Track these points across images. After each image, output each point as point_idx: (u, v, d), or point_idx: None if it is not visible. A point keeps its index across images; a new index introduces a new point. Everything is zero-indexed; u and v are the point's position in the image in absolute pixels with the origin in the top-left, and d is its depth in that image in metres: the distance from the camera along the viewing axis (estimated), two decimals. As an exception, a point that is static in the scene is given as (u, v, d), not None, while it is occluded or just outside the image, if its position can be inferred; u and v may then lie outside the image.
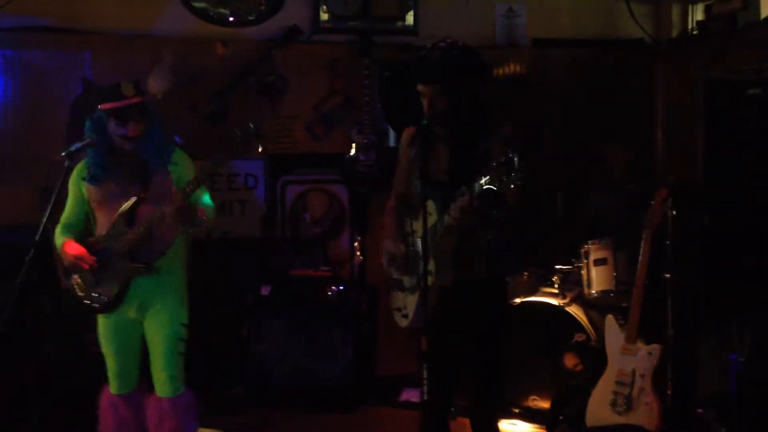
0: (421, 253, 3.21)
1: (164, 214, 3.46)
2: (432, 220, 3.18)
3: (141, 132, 3.59)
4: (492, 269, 3.34)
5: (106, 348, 3.74)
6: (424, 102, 3.22)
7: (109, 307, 3.65)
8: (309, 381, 5.05)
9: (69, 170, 3.58)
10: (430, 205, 3.20)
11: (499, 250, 3.29)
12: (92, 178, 3.64)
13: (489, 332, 3.38)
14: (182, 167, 3.70)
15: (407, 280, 3.37)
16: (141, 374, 3.80)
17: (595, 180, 5.36)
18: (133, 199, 3.59)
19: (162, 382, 3.69)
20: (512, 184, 2.85)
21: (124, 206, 3.59)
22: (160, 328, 3.67)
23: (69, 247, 3.60)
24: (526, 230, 3.37)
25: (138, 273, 3.60)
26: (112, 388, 3.78)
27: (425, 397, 3.08)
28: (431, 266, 3.16)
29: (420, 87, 3.21)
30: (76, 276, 3.65)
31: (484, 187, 2.92)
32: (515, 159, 2.82)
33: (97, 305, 3.64)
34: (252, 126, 3.49)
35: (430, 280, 3.15)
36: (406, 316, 3.38)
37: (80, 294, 3.66)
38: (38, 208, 3.63)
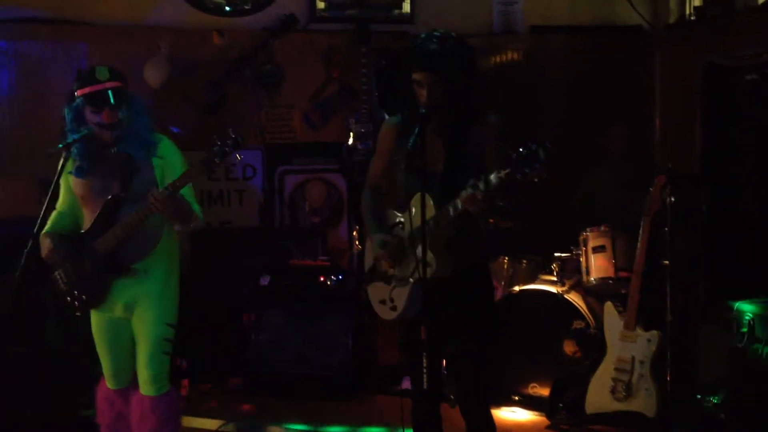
0: (409, 244, 3.22)
1: (148, 210, 3.32)
2: (430, 212, 3.14)
3: (118, 119, 3.43)
4: (484, 255, 3.36)
5: (99, 346, 3.68)
6: (422, 91, 3.18)
7: (87, 306, 3.57)
8: (309, 370, 5.06)
9: (66, 162, 3.54)
10: (425, 197, 3.14)
11: (490, 236, 3.30)
12: (78, 170, 3.52)
13: (481, 320, 3.37)
14: (170, 160, 3.52)
15: (396, 272, 3.33)
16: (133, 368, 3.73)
17: (593, 163, 5.37)
18: (110, 198, 3.46)
19: (145, 381, 3.60)
20: (536, 177, 2.81)
21: (104, 203, 3.46)
22: (145, 328, 3.57)
23: (45, 239, 3.52)
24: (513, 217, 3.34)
25: (117, 275, 3.51)
26: (108, 383, 3.74)
27: (425, 386, 3.09)
28: (429, 258, 3.12)
29: (417, 75, 3.18)
30: (58, 270, 3.57)
31: (503, 178, 2.87)
32: (540, 150, 2.79)
33: (76, 303, 3.56)
34: (232, 135, 3.27)
35: (428, 272, 3.12)
36: (394, 308, 3.34)
37: (62, 288, 3.58)
38: (36, 200, 3.61)
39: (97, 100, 3.40)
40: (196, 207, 3.52)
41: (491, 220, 3.18)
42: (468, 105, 3.25)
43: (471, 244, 3.27)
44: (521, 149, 2.83)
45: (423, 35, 3.23)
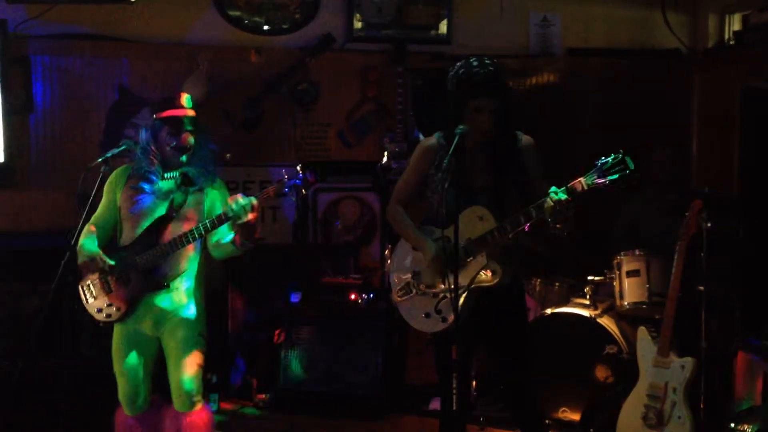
0: (463, 255, 3.32)
1: (222, 218, 3.46)
2: (489, 224, 3.30)
3: (190, 145, 3.64)
4: (523, 267, 3.58)
5: (119, 366, 3.69)
6: (482, 117, 3.28)
7: (115, 319, 3.62)
8: (338, 388, 5.06)
9: (105, 176, 3.61)
10: (481, 210, 3.32)
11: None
12: (140, 187, 3.63)
13: (521, 333, 3.52)
14: (218, 193, 3.70)
15: (444, 284, 3.41)
16: (152, 393, 3.75)
17: (632, 187, 5.30)
18: (162, 216, 3.59)
19: (179, 396, 3.61)
20: (626, 184, 2.98)
21: (152, 221, 3.59)
22: (179, 341, 3.61)
23: (86, 245, 3.59)
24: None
25: (152, 291, 3.59)
26: (125, 409, 3.73)
27: (454, 406, 3.12)
28: (495, 267, 3.32)
29: (478, 102, 3.28)
30: (88, 281, 3.64)
31: (591, 185, 3.05)
32: (628, 159, 2.95)
33: (104, 315, 3.62)
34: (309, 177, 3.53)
35: (487, 278, 3.31)
36: (444, 319, 3.42)
37: (89, 300, 3.64)
38: (74, 213, 3.66)
39: (178, 124, 3.59)
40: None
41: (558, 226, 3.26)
42: (511, 124, 3.38)
43: (516, 257, 3.44)
44: (607, 158, 3.00)
45: (472, 61, 3.32)
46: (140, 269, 3.57)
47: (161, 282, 3.58)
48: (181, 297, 3.64)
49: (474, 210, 3.33)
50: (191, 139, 3.64)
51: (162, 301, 3.61)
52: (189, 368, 3.61)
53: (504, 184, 3.34)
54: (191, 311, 3.66)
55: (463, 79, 3.30)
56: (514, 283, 3.52)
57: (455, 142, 3.19)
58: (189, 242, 3.55)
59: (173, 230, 3.58)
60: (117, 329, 3.69)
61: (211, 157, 3.72)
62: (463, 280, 3.30)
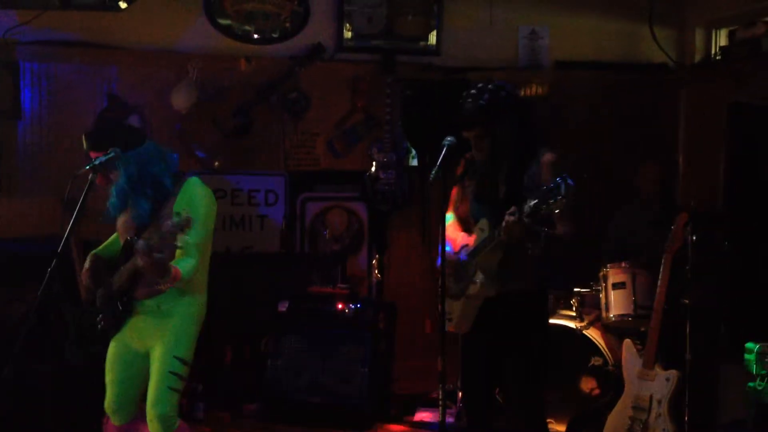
0: (468, 263, 3.52)
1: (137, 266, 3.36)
2: (484, 235, 3.47)
3: (112, 181, 3.55)
4: (533, 282, 3.53)
5: (108, 374, 3.65)
6: (471, 143, 3.52)
7: (106, 332, 3.62)
8: (325, 398, 5.05)
9: (93, 183, 3.58)
10: (483, 223, 3.49)
11: (542, 265, 3.49)
12: (107, 211, 3.63)
13: (527, 345, 3.53)
14: (191, 204, 3.48)
15: (455, 287, 3.59)
16: (139, 403, 3.70)
17: (618, 201, 5.35)
18: (127, 239, 3.52)
19: (151, 419, 3.52)
20: (557, 208, 3.10)
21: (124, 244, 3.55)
22: (155, 363, 3.55)
23: (89, 258, 3.65)
24: (574, 248, 3.52)
25: (125, 312, 3.55)
26: (111, 419, 3.70)
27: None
28: (478, 277, 3.46)
29: (465, 131, 3.49)
30: (100, 290, 3.65)
31: (532, 208, 3.15)
32: (562, 185, 3.04)
33: (101, 324, 3.62)
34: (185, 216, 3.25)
35: (475, 289, 3.45)
36: (450, 320, 3.59)
37: (98, 308, 3.65)
38: (61, 220, 3.64)
39: (92, 167, 3.48)
40: (188, 261, 3.43)
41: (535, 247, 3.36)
42: (520, 143, 3.50)
43: (518, 270, 3.47)
44: (550, 183, 3.11)
45: (467, 91, 3.49)
46: (114, 289, 3.55)
47: (129, 305, 3.53)
48: (163, 317, 3.56)
49: (480, 222, 3.52)
50: (107, 177, 3.55)
51: (145, 320, 3.58)
52: (162, 393, 3.51)
53: (512, 199, 3.36)
54: (172, 334, 3.56)
55: (460, 109, 3.51)
56: (520, 299, 3.49)
57: (442, 153, 3.37)
58: (130, 270, 3.44)
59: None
60: (111, 343, 3.67)
61: (158, 167, 3.54)
62: (460, 289, 3.55)
